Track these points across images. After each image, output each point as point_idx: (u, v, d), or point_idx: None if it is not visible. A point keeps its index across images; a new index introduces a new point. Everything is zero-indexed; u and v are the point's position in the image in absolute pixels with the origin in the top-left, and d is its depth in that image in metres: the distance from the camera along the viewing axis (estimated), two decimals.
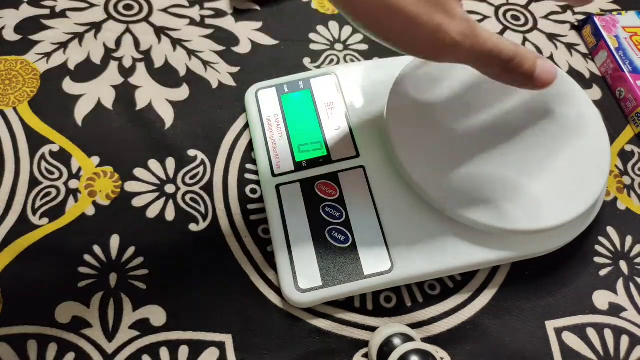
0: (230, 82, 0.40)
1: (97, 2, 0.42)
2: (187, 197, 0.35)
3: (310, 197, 0.33)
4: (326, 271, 0.31)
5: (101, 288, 0.31)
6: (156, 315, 0.31)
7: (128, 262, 0.32)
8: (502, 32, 0.47)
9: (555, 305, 0.33)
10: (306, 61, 0.42)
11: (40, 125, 0.36)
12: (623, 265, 0.35)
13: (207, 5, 0.44)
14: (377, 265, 0.31)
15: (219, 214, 0.34)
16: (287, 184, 0.34)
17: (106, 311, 0.30)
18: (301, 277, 0.31)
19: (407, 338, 0.29)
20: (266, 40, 0.42)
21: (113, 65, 0.39)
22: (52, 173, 0.35)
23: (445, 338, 0.32)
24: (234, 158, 0.37)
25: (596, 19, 0.46)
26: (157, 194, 0.35)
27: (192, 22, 0.43)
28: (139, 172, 0.35)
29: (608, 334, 0.33)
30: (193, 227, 0.34)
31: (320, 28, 0.44)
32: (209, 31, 0.42)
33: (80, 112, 0.37)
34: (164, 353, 0.30)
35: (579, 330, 0.33)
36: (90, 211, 0.34)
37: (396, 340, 0.29)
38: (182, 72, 0.40)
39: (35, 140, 0.36)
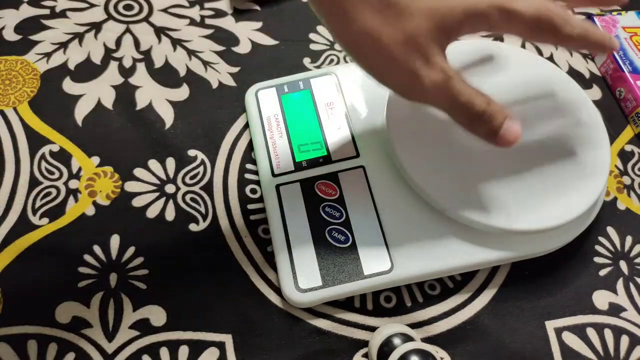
0: (230, 82, 0.40)
1: (97, 2, 0.42)
2: (187, 197, 0.35)
3: (310, 197, 0.33)
4: (326, 271, 0.31)
5: (101, 288, 0.31)
6: (156, 315, 0.31)
7: (128, 262, 0.32)
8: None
9: (555, 305, 0.33)
10: (306, 61, 0.42)
11: (40, 125, 0.36)
12: (623, 265, 0.35)
13: (207, 5, 0.44)
14: (377, 265, 0.31)
15: (219, 214, 0.34)
16: (287, 184, 0.34)
17: (106, 311, 0.30)
18: (301, 277, 0.31)
19: (407, 338, 0.29)
20: (266, 40, 0.42)
21: (113, 65, 0.39)
22: (52, 173, 0.35)
23: (445, 338, 0.32)
24: (234, 158, 0.37)
25: (596, 19, 0.46)
26: (157, 194, 0.35)
27: (192, 22, 0.43)
28: (139, 172, 0.35)
29: (608, 334, 0.33)
30: (193, 227, 0.34)
31: (320, 28, 0.44)
32: (209, 31, 0.42)
33: (81, 112, 0.37)
34: (164, 353, 0.30)
35: (579, 330, 0.33)
36: (90, 211, 0.34)
37: (396, 340, 0.29)
38: (182, 72, 0.40)
39: (35, 140, 0.36)
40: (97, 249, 0.32)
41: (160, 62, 0.40)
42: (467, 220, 0.31)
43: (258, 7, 0.44)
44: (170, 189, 0.35)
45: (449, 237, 0.32)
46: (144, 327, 0.30)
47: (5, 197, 0.33)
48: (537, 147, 0.33)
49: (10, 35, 0.40)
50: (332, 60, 0.42)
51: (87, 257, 0.32)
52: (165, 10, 0.43)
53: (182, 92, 0.39)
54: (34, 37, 0.40)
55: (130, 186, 0.35)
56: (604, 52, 0.30)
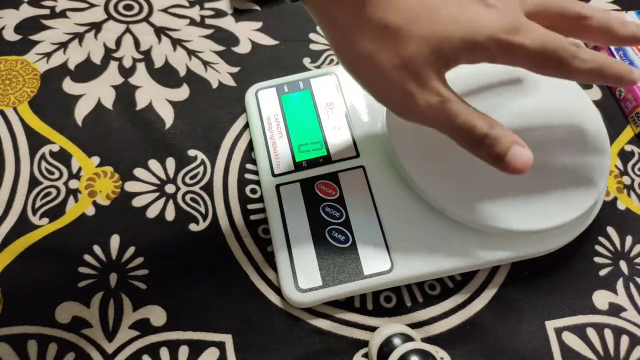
0: (230, 82, 0.40)
1: (97, 2, 0.42)
2: (187, 197, 0.35)
3: (310, 197, 0.33)
4: (326, 271, 0.31)
5: (101, 288, 0.31)
6: (156, 315, 0.31)
7: (128, 262, 0.32)
8: None
9: (555, 305, 0.33)
10: (306, 61, 0.42)
11: (40, 125, 0.36)
12: (623, 265, 0.35)
13: (207, 5, 0.44)
14: (377, 265, 0.31)
15: (219, 214, 0.34)
16: (287, 184, 0.34)
17: (106, 311, 0.31)
18: (301, 277, 0.31)
19: (407, 338, 0.29)
20: (266, 40, 0.42)
21: (113, 65, 0.39)
22: (52, 173, 0.35)
23: (445, 338, 0.32)
24: (234, 158, 0.37)
25: None
26: (157, 194, 0.35)
27: (192, 22, 0.43)
28: (139, 172, 0.35)
29: (608, 334, 0.33)
30: (193, 227, 0.34)
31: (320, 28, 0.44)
32: (209, 31, 0.42)
33: (81, 112, 0.37)
34: (164, 353, 0.30)
35: (579, 330, 0.33)
36: (90, 211, 0.34)
37: (396, 340, 0.29)
38: (182, 72, 0.40)
39: (35, 140, 0.36)
40: (97, 249, 0.32)
41: (160, 62, 0.40)
42: (467, 220, 0.31)
43: (258, 7, 0.44)
44: (170, 189, 0.35)
45: (449, 237, 0.32)
46: (144, 327, 0.30)
47: (5, 197, 0.33)
48: (536, 147, 0.33)
49: (10, 35, 0.40)
50: (332, 60, 0.42)
51: (87, 257, 0.32)
52: (165, 10, 0.43)
53: (182, 92, 0.39)
54: (34, 37, 0.40)
55: (130, 186, 0.35)
56: (622, 85, 0.29)
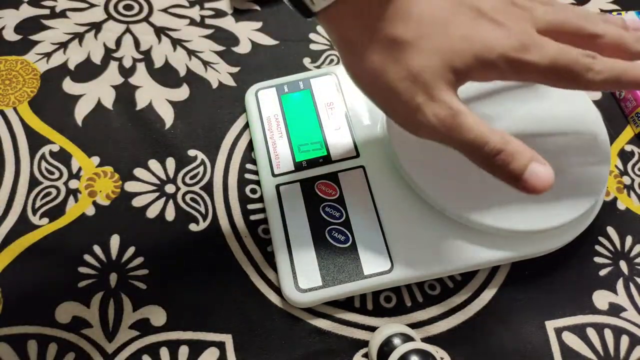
0: (230, 82, 0.40)
1: (97, 2, 0.42)
2: (187, 197, 0.35)
3: (310, 197, 0.33)
4: (326, 271, 0.31)
5: (101, 288, 0.31)
6: (156, 315, 0.31)
7: (128, 262, 0.32)
8: None
9: (555, 305, 0.33)
10: (306, 61, 0.42)
11: (40, 125, 0.36)
12: (623, 265, 0.35)
13: (207, 5, 0.44)
14: (377, 265, 0.31)
15: (219, 214, 0.34)
16: (287, 184, 0.34)
17: (106, 311, 0.31)
18: (301, 277, 0.31)
19: (407, 338, 0.29)
20: (266, 40, 0.42)
21: (113, 65, 0.39)
22: (52, 173, 0.35)
23: (445, 338, 0.32)
24: (234, 158, 0.37)
25: None
26: (157, 194, 0.35)
27: (192, 22, 0.43)
28: (139, 172, 0.35)
29: (608, 334, 0.33)
30: (193, 227, 0.34)
31: (320, 28, 0.44)
32: (209, 31, 0.42)
33: (80, 112, 0.37)
34: (164, 353, 0.30)
35: (579, 330, 0.33)
36: (90, 211, 0.34)
37: (396, 340, 0.29)
38: (182, 72, 0.40)
39: (35, 140, 0.36)
40: (97, 249, 0.32)
41: (160, 62, 0.40)
42: (467, 220, 0.31)
43: (258, 7, 0.44)
44: (170, 189, 0.35)
45: (448, 237, 0.32)
46: (144, 327, 0.30)
47: (5, 197, 0.33)
48: (536, 147, 0.33)
49: (10, 35, 0.40)
50: (332, 60, 0.42)
51: (87, 257, 0.32)
52: (165, 10, 0.43)
53: (182, 92, 0.39)
54: (34, 37, 0.40)
55: (130, 186, 0.35)
56: None
